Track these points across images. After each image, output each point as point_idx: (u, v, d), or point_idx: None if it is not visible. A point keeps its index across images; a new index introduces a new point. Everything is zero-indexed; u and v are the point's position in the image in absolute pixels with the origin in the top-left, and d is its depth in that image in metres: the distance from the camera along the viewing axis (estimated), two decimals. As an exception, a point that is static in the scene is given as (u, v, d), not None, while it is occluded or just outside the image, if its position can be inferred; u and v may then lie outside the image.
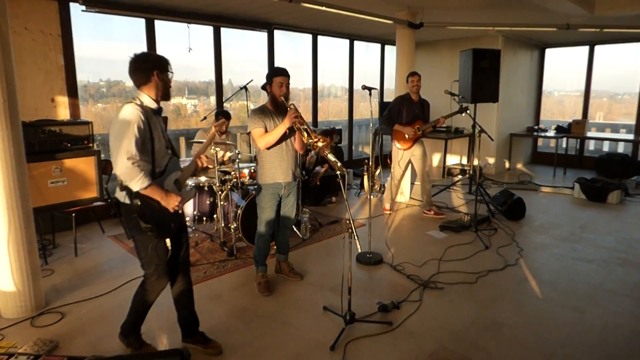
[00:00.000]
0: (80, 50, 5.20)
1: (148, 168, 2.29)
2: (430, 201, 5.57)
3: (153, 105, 2.36)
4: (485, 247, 4.43)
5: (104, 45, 5.68)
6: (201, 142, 4.78)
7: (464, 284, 3.62)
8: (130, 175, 2.20)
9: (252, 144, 3.41)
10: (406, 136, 5.31)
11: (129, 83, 6.38)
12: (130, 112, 2.22)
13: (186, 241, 2.66)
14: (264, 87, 3.35)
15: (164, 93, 2.39)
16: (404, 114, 5.31)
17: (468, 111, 5.10)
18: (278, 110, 3.31)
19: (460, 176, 7.76)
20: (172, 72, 2.41)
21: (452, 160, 8.71)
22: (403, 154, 5.42)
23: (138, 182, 2.22)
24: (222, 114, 5.21)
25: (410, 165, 5.66)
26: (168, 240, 2.47)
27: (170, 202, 2.34)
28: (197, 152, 2.73)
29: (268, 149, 3.31)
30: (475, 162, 6.73)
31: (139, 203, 2.27)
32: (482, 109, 6.66)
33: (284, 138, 3.31)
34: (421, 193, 5.59)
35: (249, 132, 3.33)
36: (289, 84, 3.27)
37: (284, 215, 3.58)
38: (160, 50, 5.83)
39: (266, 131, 3.27)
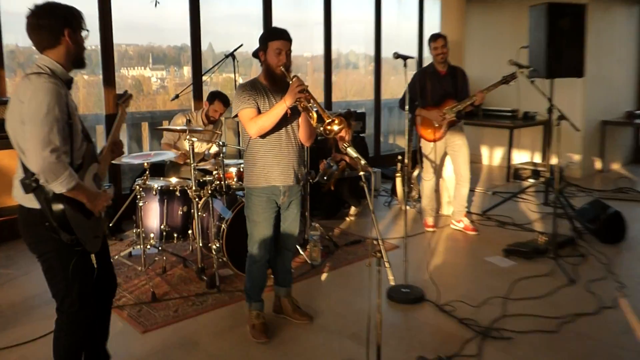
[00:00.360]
0: (7, 4, 5.23)
1: (68, 161, 2.34)
2: (464, 210, 5.64)
3: (66, 75, 2.42)
4: (569, 280, 4.38)
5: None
6: (179, 130, 4.74)
7: (540, 333, 3.57)
8: (55, 172, 2.24)
9: (241, 133, 3.42)
10: (435, 124, 5.35)
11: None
12: (45, 88, 2.24)
13: (108, 253, 2.79)
14: (255, 54, 3.40)
15: (77, 59, 2.46)
16: (429, 92, 5.34)
17: (516, 78, 5.09)
18: (275, 86, 3.35)
19: (531, 180, 7.71)
20: (87, 30, 2.48)
21: (520, 157, 8.63)
22: (435, 145, 5.46)
23: (64, 182, 2.27)
24: (218, 97, 5.23)
25: (447, 161, 5.67)
26: (93, 256, 2.53)
27: (99, 204, 2.47)
28: (110, 137, 2.79)
29: (262, 137, 3.32)
30: (554, 161, 6.65)
31: (62, 207, 2.30)
32: (561, 86, 6.55)
33: (284, 123, 3.33)
34: (454, 198, 5.67)
35: (236, 116, 3.34)
36: (290, 50, 3.30)
37: (285, 233, 3.59)
38: (117, 4, 5.84)
39: (259, 113, 3.27)
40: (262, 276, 3.57)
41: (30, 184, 2.29)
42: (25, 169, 2.32)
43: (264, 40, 3.30)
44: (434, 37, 5.37)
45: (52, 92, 2.24)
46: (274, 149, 3.36)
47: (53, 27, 2.34)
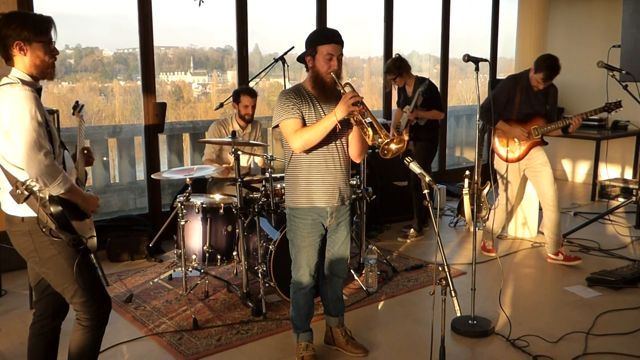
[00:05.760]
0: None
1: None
2: (559, 239, 5.48)
3: (35, 85, 2.69)
4: (663, 315, 4.32)
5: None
6: (224, 142, 4.85)
7: (627, 374, 3.54)
8: (52, 174, 2.53)
9: (283, 145, 3.46)
10: (515, 141, 5.26)
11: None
12: (23, 95, 2.53)
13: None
14: (301, 59, 3.43)
15: (39, 70, 2.70)
16: (516, 107, 5.21)
17: (621, 108, 5.05)
18: (324, 95, 3.37)
19: (621, 199, 7.59)
20: (49, 40, 2.69)
21: (609, 173, 8.48)
22: (510, 166, 5.37)
23: (61, 183, 2.57)
24: (242, 92, 5.37)
25: (525, 183, 5.60)
26: (92, 255, 2.83)
27: (92, 203, 2.81)
28: (80, 144, 3.08)
29: (307, 152, 3.35)
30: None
31: (60, 208, 2.59)
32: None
33: (332, 138, 3.34)
34: (544, 227, 5.50)
35: (276, 126, 3.39)
36: (341, 55, 3.32)
37: (334, 258, 3.62)
38: (157, 4, 6.09)
39: (304, 124, 3.33)
40: (308, 304, 3.61)
41: (22, 193, 2.57)
42: (12, 180, 2.60)
43: (312, 43, 3.30)
44: (541, 69, 5.00)
45: (30, 98, 2.52)
46: (320, 166, 3.36)
47: (3, 39, 2.61)
